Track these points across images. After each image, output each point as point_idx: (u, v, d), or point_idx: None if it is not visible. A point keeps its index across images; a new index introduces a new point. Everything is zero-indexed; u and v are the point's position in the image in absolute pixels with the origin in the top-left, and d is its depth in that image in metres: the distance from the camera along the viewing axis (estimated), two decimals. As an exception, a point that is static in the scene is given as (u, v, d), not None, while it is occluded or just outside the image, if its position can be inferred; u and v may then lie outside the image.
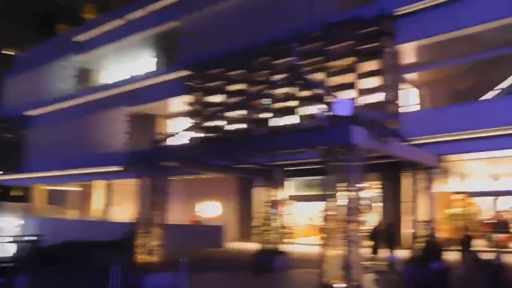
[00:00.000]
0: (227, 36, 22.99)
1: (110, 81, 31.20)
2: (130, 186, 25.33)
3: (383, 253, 14.20)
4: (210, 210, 26.30)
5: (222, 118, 20.53)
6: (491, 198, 18.37)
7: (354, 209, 9.63)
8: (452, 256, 10.78)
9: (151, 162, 12.20)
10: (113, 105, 28.55)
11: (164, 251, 12.14)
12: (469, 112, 16.56)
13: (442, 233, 15.94)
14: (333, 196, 9.71)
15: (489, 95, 18.74)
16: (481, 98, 18.49)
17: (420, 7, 17.99)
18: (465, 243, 10.38)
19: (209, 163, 13.99)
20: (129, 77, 28.93)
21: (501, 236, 17.26)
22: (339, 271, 9.19)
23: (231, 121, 20.17)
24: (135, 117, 27.63)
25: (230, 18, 23.26)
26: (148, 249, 11.88)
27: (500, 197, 18.15)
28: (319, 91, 13.92)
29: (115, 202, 31.94)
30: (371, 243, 14.40)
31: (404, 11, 18.23)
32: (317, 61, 18.81)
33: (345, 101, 12.08)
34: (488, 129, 16.00)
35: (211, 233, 22.60)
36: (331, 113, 10.97)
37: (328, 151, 9.94)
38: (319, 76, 18.26)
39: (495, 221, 17.85)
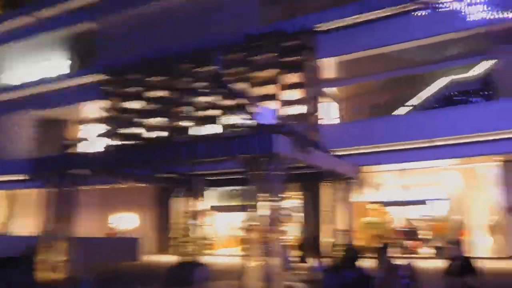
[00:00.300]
0: (147, 41, 22.16)
1: (15, 82, 28.65)
2: (36, 197, 23.36)
3: (311, 262, 14.27)
4: (126, 221, 25.01)
5: (140, 125, 19.65)
6: (403, 207, 19.39)
7: (275, 219, 9.53)
8: (369, 263, 11.07)
9: (59, 170, 11.17)
10: (18, 109, 26.23)
11: (71, 267, 11.10)
12: (384, 126, 17.37)
13: (359, 241, 16.46)
14: (255, 206, 9.57)
15: (402, 110, 19.96)
16: (394, 113, 19.63)
17: (339, 24, 18.68)
18: (381, 250, 10.72)
19: (125, 172, 13.16)
20: (38, 79, 26.80)
21: (411, 243, 18.28)
22: (260, 282, 9.00)
23: (150, 128, 19.35)
24: (44, 122, 25.62)
25: (151, 23, 22.50)
26: (52, 265, 10.78)
27: (411, 207, 19.22)
28: (242, 100, 13.77)
29: (18, 214, 29.23)
30: (299, 252, 14.42)
31: (325, 27, 18.80)
32: (240, 71, 18.70)
33: (268, 110, 12.07)
34: (400, 142, 16.90)
35: (125, 246, 21.40)
36: (254, 122, 10.86)
37: (250, 160, 9.80)
38: (242, 86, 18.16)
39: (406, 229, 18.87)
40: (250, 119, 11.79)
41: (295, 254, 14.24)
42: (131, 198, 24.44)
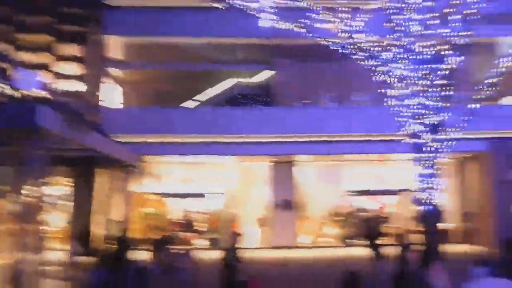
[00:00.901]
0: None
1: None
2: None
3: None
4: None
5: None
6: (182, 199, 19.43)
7: (35, 207, 8.06)
8: (146, 256, 10.47)
9: None
10: None
11: None
12: (169, 117, 16.96)
13: (135, 233, 15.64)
14: (9, 191, 7.94)
15: (189, 104, 20.04)
16: (181, 106, 19.54)
17: (133, 3, 17.56)
18: (159, 242, 10.30)
19: None
20: None
21: (187, 234, 18.45)
22: (7, 283, 7.49)
23: None
24: None
25: None
26: None
27: (189, 199, 19.41)
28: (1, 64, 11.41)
29: None
30: (78, 245, 12.55)
31: (116, 3, 17.36)
32: (2, 30, 15.53)
33: (34, 79, 10.25)
34: (184, 135, 16.76)
35: None
36: (16, 90, 9.04)
37: (6, 135, 8.03)
38: (4, 47, 15.09)
39: (183, 221, 18.99)
40: (11, 86, 9.73)
41: (72, 247, 12.48)
42: None
